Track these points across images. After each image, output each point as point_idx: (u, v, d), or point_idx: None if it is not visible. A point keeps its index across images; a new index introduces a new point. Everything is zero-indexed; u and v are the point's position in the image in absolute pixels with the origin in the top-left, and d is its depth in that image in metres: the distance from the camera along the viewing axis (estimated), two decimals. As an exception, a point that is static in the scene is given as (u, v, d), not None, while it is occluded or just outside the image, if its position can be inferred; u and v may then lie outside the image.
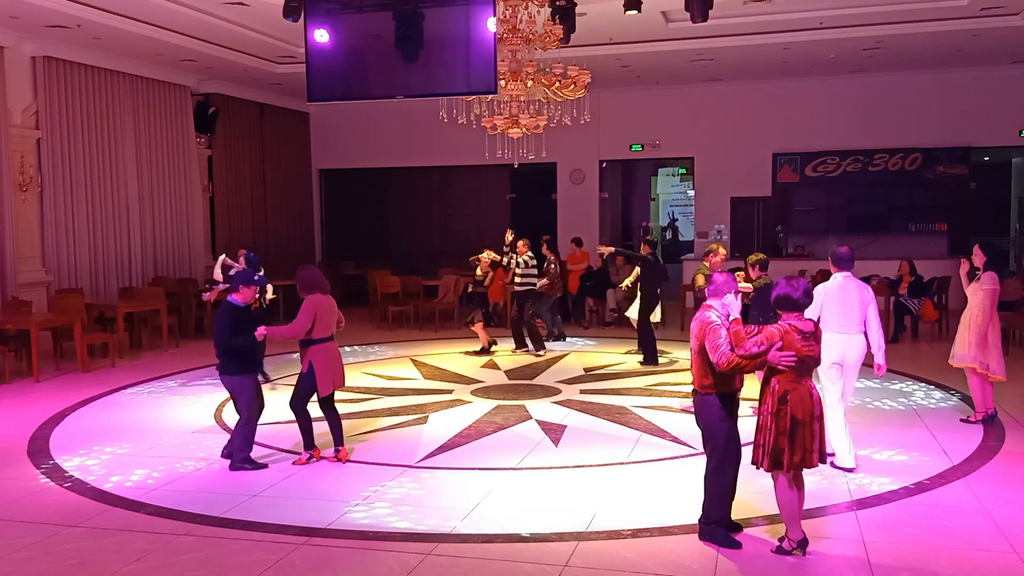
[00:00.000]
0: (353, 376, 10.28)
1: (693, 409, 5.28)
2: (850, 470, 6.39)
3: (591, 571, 4.80)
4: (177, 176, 14.97)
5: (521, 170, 14.97)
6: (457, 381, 10.01)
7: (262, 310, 8.43)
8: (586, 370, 10.64)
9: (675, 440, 7.37)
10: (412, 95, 7.96)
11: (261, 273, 8.87)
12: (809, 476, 5.04)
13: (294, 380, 6.98)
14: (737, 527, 5.23)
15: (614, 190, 19.54)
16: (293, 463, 6.74)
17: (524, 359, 11.40)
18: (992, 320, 7.60)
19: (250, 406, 6.76)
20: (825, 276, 6.97)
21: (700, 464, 5.34)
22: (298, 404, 6.73)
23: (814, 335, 4.86)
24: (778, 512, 5.01)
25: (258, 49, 13.57)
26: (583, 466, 6.73)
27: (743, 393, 5.28)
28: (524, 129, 9.95)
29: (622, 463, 6.80)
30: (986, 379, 7.65)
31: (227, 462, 6.81)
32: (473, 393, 9.35)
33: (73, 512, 5.83)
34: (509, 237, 12.00)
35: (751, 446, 4.97)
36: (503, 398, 9.08)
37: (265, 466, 6.74)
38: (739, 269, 8.34)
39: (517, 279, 11.72)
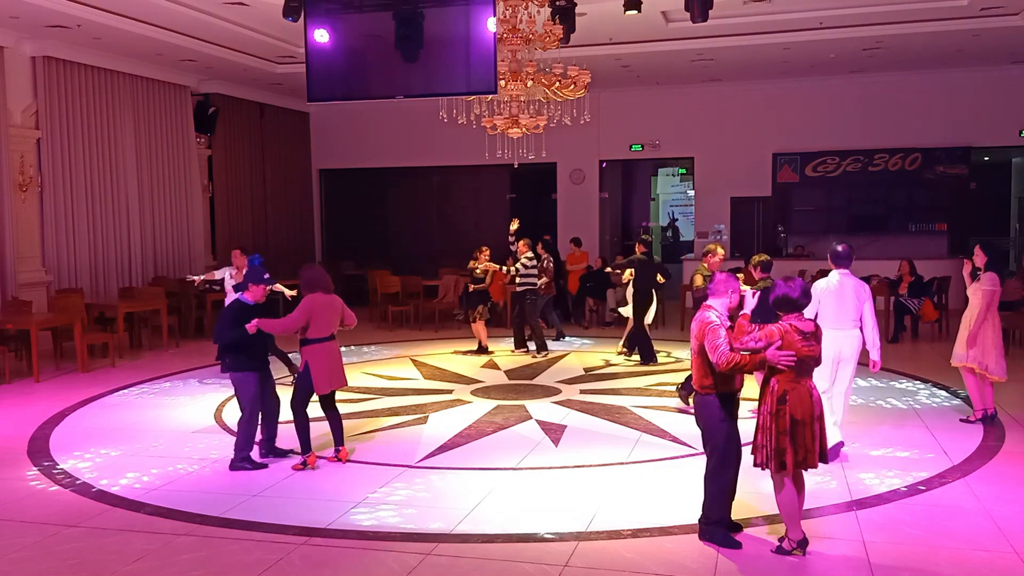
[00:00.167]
0: (353, 376, 10.26)
1: (691, 410, 5.28)
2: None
3: (591, 571, 4.80)
4: (177, 176, 14.98)
5: (521, 170, 14.97)
6: (457, 381, 10.01)
7: (268, 307, 8.47)
8: (586, 370, 10.64)
9: (675, 440, 7.37)
10: (412, 95, 7.96)
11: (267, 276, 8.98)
12: (809, 476, 5.03)
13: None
14: (737, 527, 5.23)
15: (614, 190, 19.54)
16: (292, 467, 6.72)
17: (524, 359, 11.40)
18: (992, 321, 7.60)
19: (252, 403, 6.75)
20: (825, 275, 7.01)
21: (700, 464, 5.34)
22: (297, 405, 6.72)
23: (815, 335, 4.86)
24: (778, 512, 5.01)
25: (258, 49, 13.57)
26: (583, 466, 6.73)
27: (743, 393, 5.28)
28: (524, 129, 9.95)
29: (622, 463, 6.80)
30: (984, 379, 7.66)
31: (226, 462, 6.81)
32: (473, 393, 9.35)
33: (73, 512, 5.83)
34: (514, 226, 11.95)
35: (751, 446, 4.97)
36: (503, 398, 9.08)
37: (265, 466, 6.74)
38: (739, 269, 8.35)
39: (517, 279, 11.73)
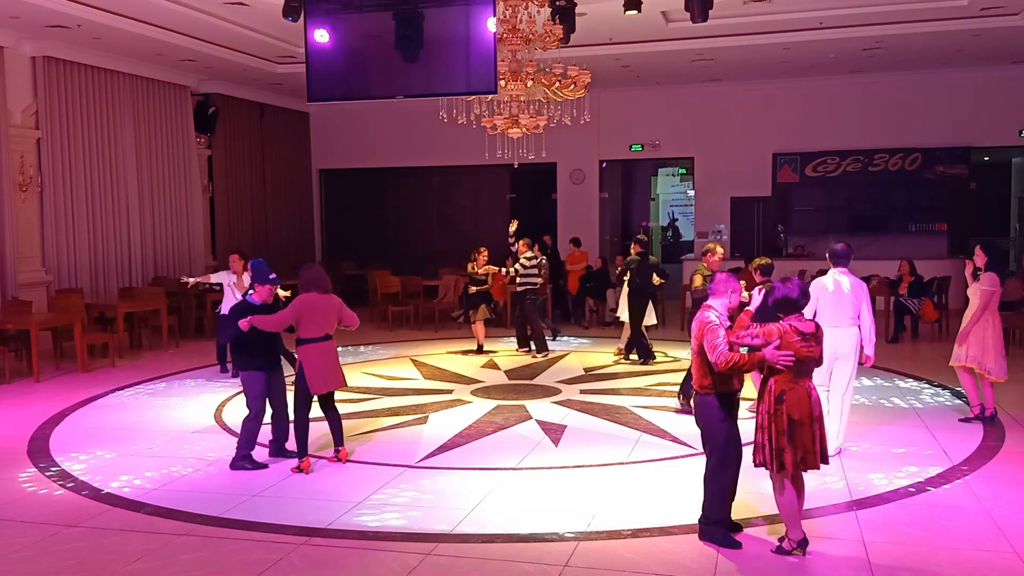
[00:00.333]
0: (353, 376, 10.28)
1: (690, 410, 5.29)
2: None
3: (591, 571, 4.80)
4: (177, 176, 14.98)
5: (521, 170, 14.97)
6: (457, 381, 10.01)
7: (275, 308, 8.49)
8: (586, 370, 10.64)
9: (675, 440, 7.37)
10: (412, 95, 7.97)
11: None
12: (809, 476, 5.03)
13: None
14: (737, 527, 5.23)
15: (614, 190, 19.54)
16: (291, 468, 6.70)
17: (524, 359, 11.40)
18: (992, 321, 7.60)
19: (256, 402, 6.75)
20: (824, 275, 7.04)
21: (700, 464, 5.34)
22: (297, 407, 6.69)
23: (815, 336, 4.85)
24: (778, 512, 5.01)
25: (258, 49, 13.57)
26: (583, 466, 6.73)
27: (743, 393, 5.28)
28: (524, 129, 9.95)
29: (622, 463, 6.80)
30: (984, 379, 7.67)
31: (226, 462, 6.81)
32: (473, 393, 9.35)
33: (73, 512, 5.83)
34: (513, 227, 11.95)
35: (752, 446, 4.97)
36: (503, 398, 9.08)
37: (265, 466, 6.73)
38: (739, 270, 8.35)
39: (517, 279, 11.74)
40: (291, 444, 6.92)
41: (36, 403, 9.14)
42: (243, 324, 6.54)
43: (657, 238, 24.41)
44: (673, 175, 25.37)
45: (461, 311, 12.20)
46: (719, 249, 8.42)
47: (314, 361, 6.57)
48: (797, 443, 4.76)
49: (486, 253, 11.79)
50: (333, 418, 6.79)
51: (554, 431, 7.75)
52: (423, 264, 17.05)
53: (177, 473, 6.68)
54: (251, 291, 6.87)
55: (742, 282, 5.54)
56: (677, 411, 8.28)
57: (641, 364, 10.82)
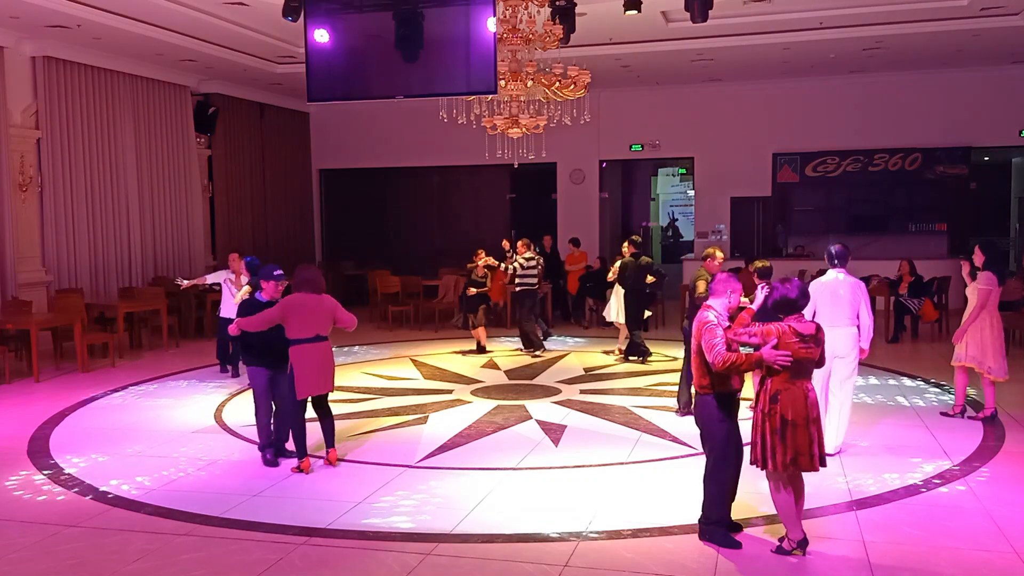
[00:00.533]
0: (353, 376, 10.30)
1: (690, 412, 5.29)
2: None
3: (591, 571, 4.80)
4: (177, 176, 14.97)
5: (521, 170, 14.97)
6: (457, 381, 10.01)
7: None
8: (586, 370, 10.64)
9: (675, 440, 7.37)
10: (412, 95, 7.97)
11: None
12: (809, 476, 5.03)
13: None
14: (737, 527, 5.23)
15: (614, 190, 19.54)
16: (291, 469, 6.69)
17: (524, 359, 11.40)
18: (991, 320, 7.61)
19: (258, 396, 6.76)
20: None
21: (700, 464, 5.34)
22: (292, 407, 6.65)
23: (814, 338, 4.84)
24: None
25: (258, 49, 13.57)
26: (583, 466, 6.73)
27: (742, 393, 5.28)
28: (524, 129, 9.95)
29: (622, 463, 6.80)
30: (983, 379, 7.68)
31: (226, 462, 6.80)
32: (473, 393, 9.35)
33: (73, 512, 5.83)
34: (506, 245, 12.06)
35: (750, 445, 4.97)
36: (503, 398, 9.08)
37: (276, 464, 6.73)
38: (739, 270, 8.35)
39: (516, 279, 11.76)
40: (291, 444, 6.91)
41: (36, 403, 9.14)
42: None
43: (657, 238, 24.41)
44: (673, 175, 25.37)
45: (460, 315, 12.19)
46: (719, 253, 8.42)
47: (301, 363, 6.46)
48: (788, 443, 4.75)
49: (484, 254, 11.84)
50: (326, 420, 6.72)
51: (554, 431, 7.75)
52: (423, 264, 17.04)
53: (177, 473, 6.68)
54: (259, 290, 6.86)
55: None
56: (677, 412, 8.27)
57: (640, 363, 10.84)
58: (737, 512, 5.30)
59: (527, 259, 11.66)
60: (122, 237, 13.73)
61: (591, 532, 5.35)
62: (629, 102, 17.09)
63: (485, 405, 8.78)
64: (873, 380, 9.60)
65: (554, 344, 12.42)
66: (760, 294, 5.25)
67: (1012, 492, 5.96)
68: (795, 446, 4.75)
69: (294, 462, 6.69)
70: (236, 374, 10.26)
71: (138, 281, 13.82)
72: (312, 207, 19.22)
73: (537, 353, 11.60)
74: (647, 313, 11.31)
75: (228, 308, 9.95)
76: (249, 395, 7.69)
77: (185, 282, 11.06)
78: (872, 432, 7.51)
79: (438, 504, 5.89)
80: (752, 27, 12.40)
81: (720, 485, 5.09)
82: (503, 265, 11.76)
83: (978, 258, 7.69)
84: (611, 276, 11.34)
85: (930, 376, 9.80)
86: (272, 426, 6.89)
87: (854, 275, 6.98)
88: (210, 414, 8.64)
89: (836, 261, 6.89)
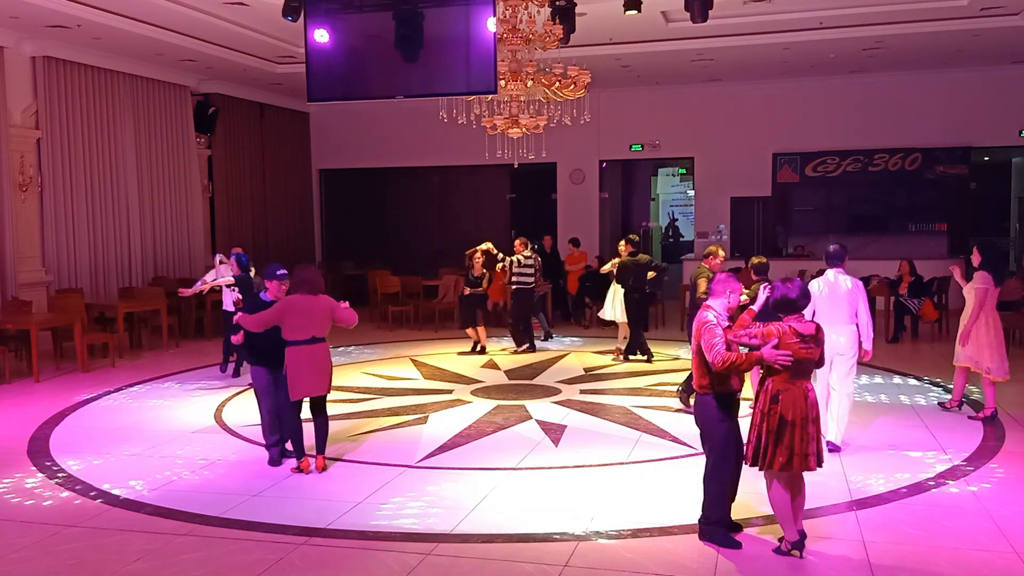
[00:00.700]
0: (353, 376, 10.30)
1: (691, 410, 5.29)
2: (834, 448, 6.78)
3: (591, 571, 4.80)
4: (177, 176, 14.97)
5: (521, 170, 14.96)
6: (457, 381, 10.01)
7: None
8: (586, 370, 10.64)
9: (675, 440, 7.37)
10: (412, 95, 7.97)
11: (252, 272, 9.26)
12: (809, 476, 5.03)
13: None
14: (737, 527, 5.23)
15: (614, 190, 19.53)
16: (291, 469, 6.68)
17: (524, 359, 11.40)
18: (989, 320, 7.61)
19: (260, 395, 6.76)
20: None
21: (700, 464, 5.33)
22: (288, 408, 6.63)
23: (814, 338, 4.84)
24: (777, 512, 5.02)
25: (258, 49, 13.57)
26: (583, 466, 6.73)
27: (742, 393, 5.28)
28: (524, 129, 9.95)
29: (622, 463, 6.80)
30: (983, 378, 7.68)
31: (226, 462, 6.80)
32: (473, 393, 9.35)
33: (73, 512, 5.83)
34: (500, 256, 12.10)
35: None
36: (503, 398, 9.08)
37: (279, 463, 6.72)
38: (739, 270, 8.35)
39: (514, 278, 11.78)
40: (291, 445, 6.91)
41: (36, 403, 9.14)
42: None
43: (657, 238, 24.41)
44: (673, 175, 25.36)
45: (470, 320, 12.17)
46: (720, 252, 8.44)
47: (294, 364, 6.39)
48: (785, 444, 4.75)
49: (480, 254, 11.84)
50: (320, 423, 6.62)
51: (554, 431, 7.75)
52: (423, 264, 17.04)
53: (177, 473, 6.68)
54: (264, 290, 6.87)
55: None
56: (677, 411, 8.28)
57: (646, 362, 10.85)
58: (737, 512, 5.30)
59: (525, 258, 11.67)
60: (122, 237, 13.73)
61: (591, 532, 5.35)
62: (629, 102, 17.10)
63: (485, 405, 8.78)
64: (874, 379, 9.59)
65: (554, 344, 12.43)
66: (761, 295, 5.25)
67: (1012, 492, 5.96)
68: (791, 446, 4.75)
69: (294, 462, 6.69)
70: (236, 373, 10.27)
71: (138, 281, 13.82)
72: (312, 207, 19.22)
73: (525, 347, 11.61)
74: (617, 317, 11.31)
75: (227, 302, 10.04)
76: (249, 395, 7.70)
77: (187, 292, 10.89)
78: (872, 432, 7.51)
79: (438, 504, 5.89)
80: (752, 27, 12.40)
81: (720, 485, 5.09)
82: (501, 256, 11.80)
83: (976, 258, 7.70)
84: (605, 269, 11.34)
85: (930, 376, 9.79)
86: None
87: (853, 275, 7.00)
88: (210, 414, 8.63)
89: (833, 261, 6.95)
